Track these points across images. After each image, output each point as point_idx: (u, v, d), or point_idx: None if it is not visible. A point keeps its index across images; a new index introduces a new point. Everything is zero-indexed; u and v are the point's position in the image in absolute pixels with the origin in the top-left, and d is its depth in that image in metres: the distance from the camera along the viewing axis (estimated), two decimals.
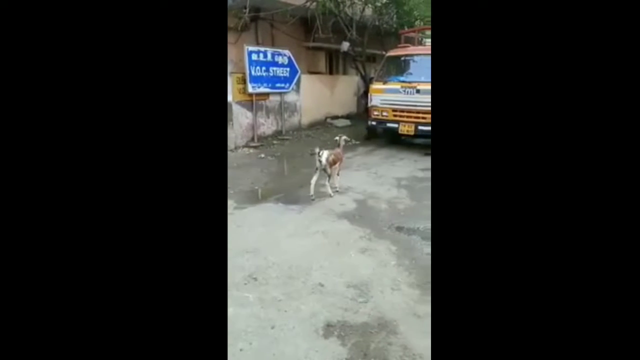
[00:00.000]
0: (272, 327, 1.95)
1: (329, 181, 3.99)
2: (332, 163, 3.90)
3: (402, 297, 2.23)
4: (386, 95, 6.32)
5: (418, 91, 5.86)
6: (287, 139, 7.20)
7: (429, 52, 6.37)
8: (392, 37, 8.78)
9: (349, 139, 4.60)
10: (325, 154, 3.80)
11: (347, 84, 9.63)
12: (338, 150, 4.16)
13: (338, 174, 4.17)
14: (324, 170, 3.85)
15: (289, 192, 4.19)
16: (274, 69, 6.83)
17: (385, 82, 6.42)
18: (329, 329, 1.95)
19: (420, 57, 6.26)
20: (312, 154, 3.91)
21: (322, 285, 2.35)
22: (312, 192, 3.88)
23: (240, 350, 1.79)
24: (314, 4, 6.43)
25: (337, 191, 4.06)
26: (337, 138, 4.44)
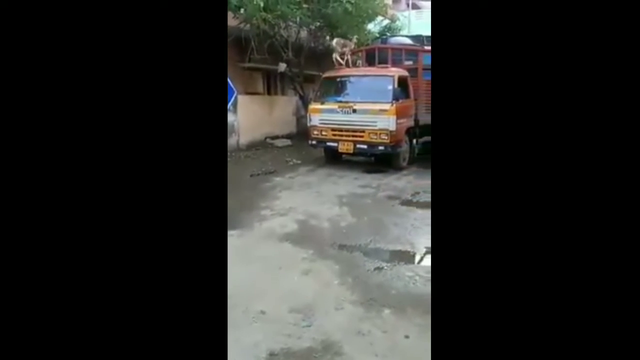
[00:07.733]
0: None
1: None
2: None
3: (345, 317, 2.21)
4: (324, 115, 6.44)
5: (355, 111, 6.07)
6: None
7: (363, 73, 6.71)
8: (328, 58, 9.07)
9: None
10: None
11: (286, 104, 9.70)
12: None
13: None
14: None
15: (229, 216, 4.02)
16: None
17: (322, 103, 6.56)
18: (271, 358, 1.86)
19: (355, 78, 6.53)
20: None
21: (263, 313, 2.25)
22: None
23: None
24: (248, 25, 6.44)
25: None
26: None
